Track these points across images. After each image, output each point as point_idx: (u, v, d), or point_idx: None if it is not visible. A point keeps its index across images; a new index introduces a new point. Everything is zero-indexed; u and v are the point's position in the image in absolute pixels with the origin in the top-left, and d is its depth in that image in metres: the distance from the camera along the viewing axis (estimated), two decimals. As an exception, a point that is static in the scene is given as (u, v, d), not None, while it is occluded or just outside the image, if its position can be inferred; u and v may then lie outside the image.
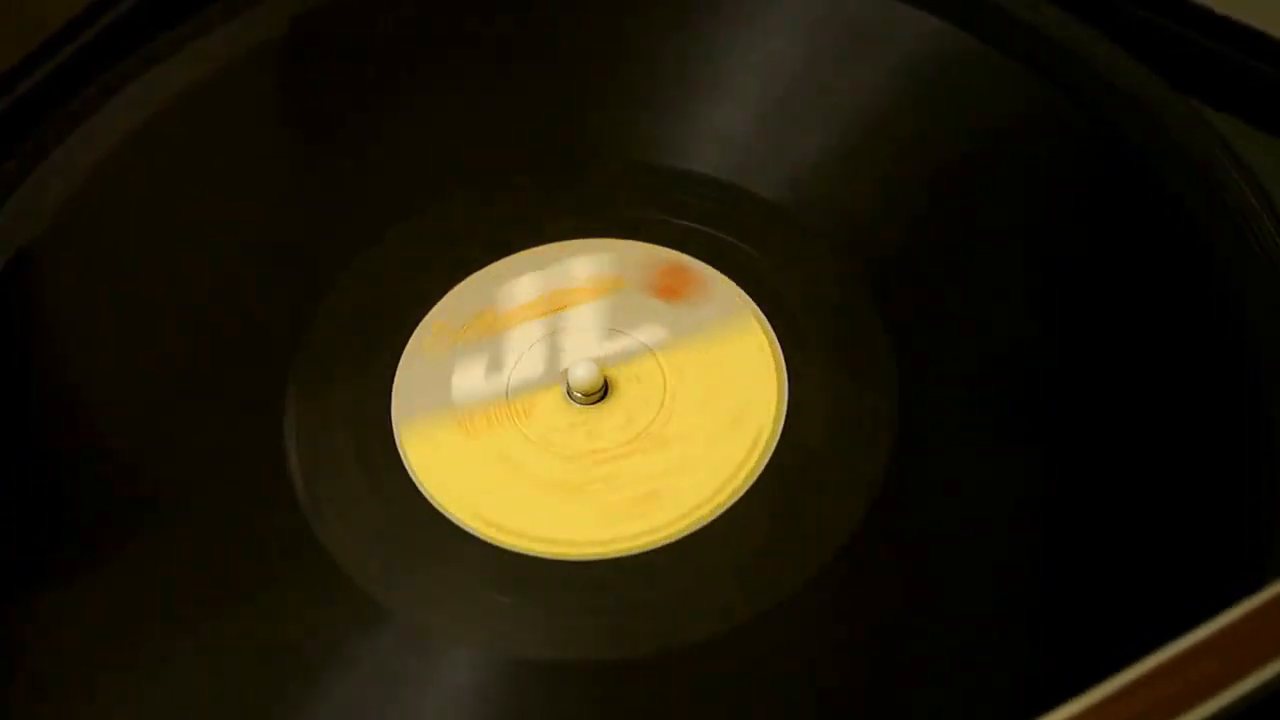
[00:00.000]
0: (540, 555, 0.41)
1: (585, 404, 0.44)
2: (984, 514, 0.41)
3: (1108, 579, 0.40)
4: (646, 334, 0.45)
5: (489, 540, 0.42)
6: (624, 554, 0.41)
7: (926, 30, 0.50)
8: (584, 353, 0.45)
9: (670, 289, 0.45)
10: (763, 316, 0.45)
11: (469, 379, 0.45)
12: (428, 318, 0.46)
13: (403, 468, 0.43)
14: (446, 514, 0.42)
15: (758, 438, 0.42)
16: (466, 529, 0.42)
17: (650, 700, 0.39)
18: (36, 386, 0.46)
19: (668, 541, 0.41)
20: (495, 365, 0.45)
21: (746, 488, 0.42)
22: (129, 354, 0.46)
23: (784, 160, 0.48)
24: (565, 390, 0.44)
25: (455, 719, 0.39)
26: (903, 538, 0.41)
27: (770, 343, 0.44)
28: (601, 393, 0.44)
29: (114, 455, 0.44)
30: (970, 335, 0.44)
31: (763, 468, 0.42)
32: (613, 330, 0.45)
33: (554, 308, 0.46)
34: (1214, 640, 0.34)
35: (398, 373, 0.45)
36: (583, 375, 0.44)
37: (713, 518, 0.41)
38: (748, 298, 0.45)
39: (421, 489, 0.42)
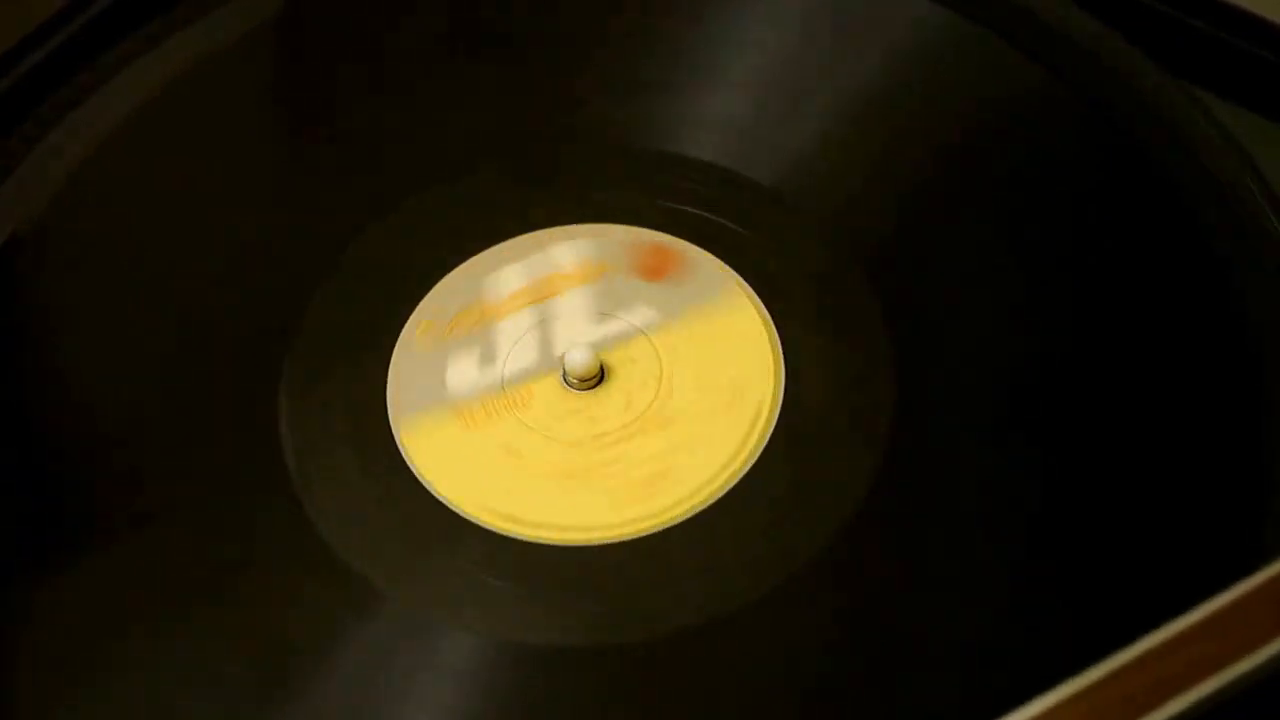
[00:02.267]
0: (550, 542, 0.41)
1: (582, 389, 0.44)
2: (984, 489, 0.41)
3: (1105, 556, 0.40)
4: (637, 315, 0.45)
5: (498, 530, 0.42)
6: (637, 536, 0.41)
7: (921, 14, 0.50)
8: (576, 339, 0.45)
9: (653, 268, 0.45)
10: (750, 289, 0.45)
11: (463, 372, 0.45)
12: (416, 313, 0.46)
13: (405, 464, 0.43)
14: (454, 508, 0.42)
15: (759, 411, 0.43)
16: (474, 520, 0.42)
17: (665, 682, 0.39)
18: (27, 376, 0.46)
19: (677, 522, 0.41)
20: (488, 357, 0.45)
21: (750, 464, 0.42)
22: (120, 345, 0.46)
23: (777, 144, 0.48)
24: (562, 377, 0.44)
25: (469, 706, 0.39)
26: (906, 510, 0.41)
27: (761, 314, 0.44)
28: (598, 377, 0.44)
29: (106, 447, 0.44)
30: (965, 316, 0.44)
31: (765, 443, 0.42)
32: (602, 314, 0.45)
33: (541, 296, 0.46)
34: (1209, 623, 0.35)
35: (390, 369, 0.45)
36: (579, 360, 0.44)
37: (720, 495, 0.41)
38: (731, 270, 0.45)
39: (427, 485, 0.42)
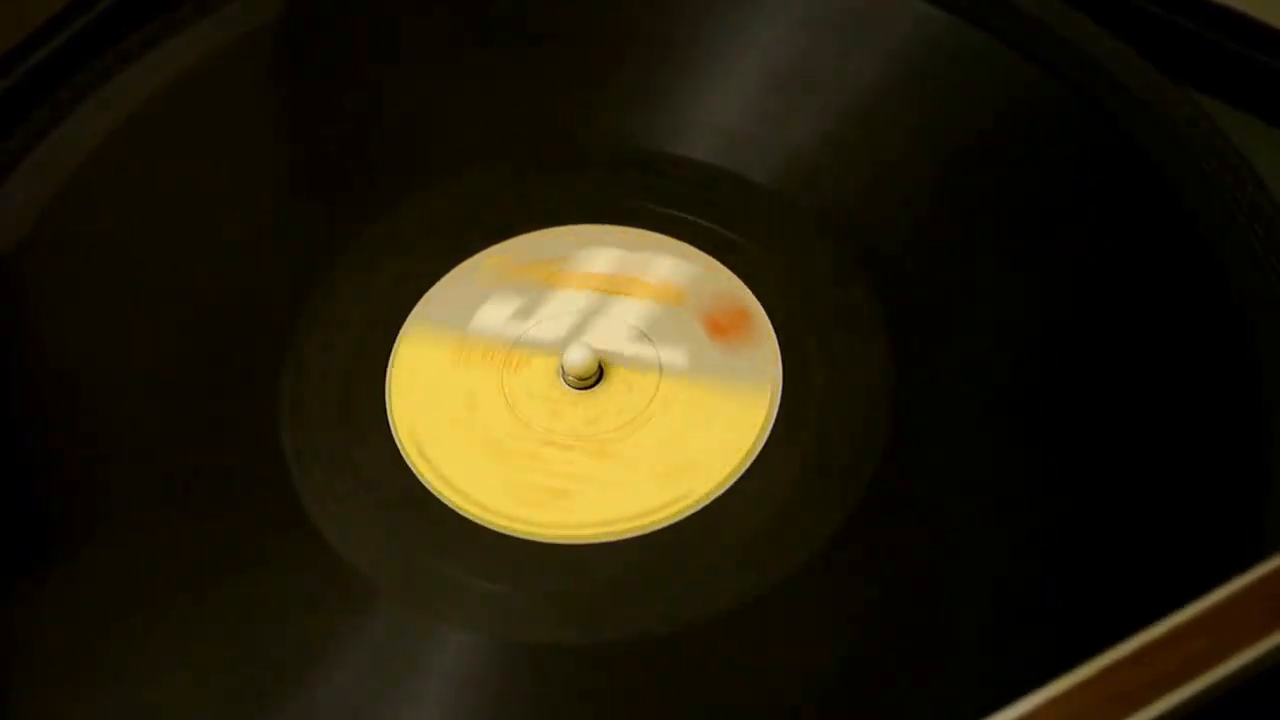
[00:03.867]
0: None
1: (574, 387, 0.44)
2: (982, 486, 0.41)
3: (1102, 552, 0.40)
4: (668, 354, 0.45)
5: (414, 469, 0.43)
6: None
7: (920, 15, 0.50)
8: (600, 340, 0.45)
9: (721, 328, 0.45)
10: (777, 390, 0.44)
11: (494, 313, 0.45)
12: (492, 249, 0.47)
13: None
14: (392, 430, 0.43)
15: (686, 494, 0.42)
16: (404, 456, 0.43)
17: (666, 682, 0.39)
18: (27, 375, 0.46)
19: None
20: (524, 312, 0.45)
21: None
22: (120, 345, 0.46)
23: (776, 145, 0.48)
24: (560, 367, 0.44)
25: (468, 704, 0.39)
26: (905, 508, 0.41)
27: (767, 420, 0.43)
28: (593, 380, 0.44)
29: (106, 446, 0.44)
30: (965, 316, 0.44)
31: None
32: (643, 335, 0.45)
33: (613, 289, 0.46)
34: (1204, 618, 0.35)
35: (442, 281, 0.46)
36: (577, 359, 0.44)
37: (595, 540, 0.41)
38: (777, 367, 0.44)
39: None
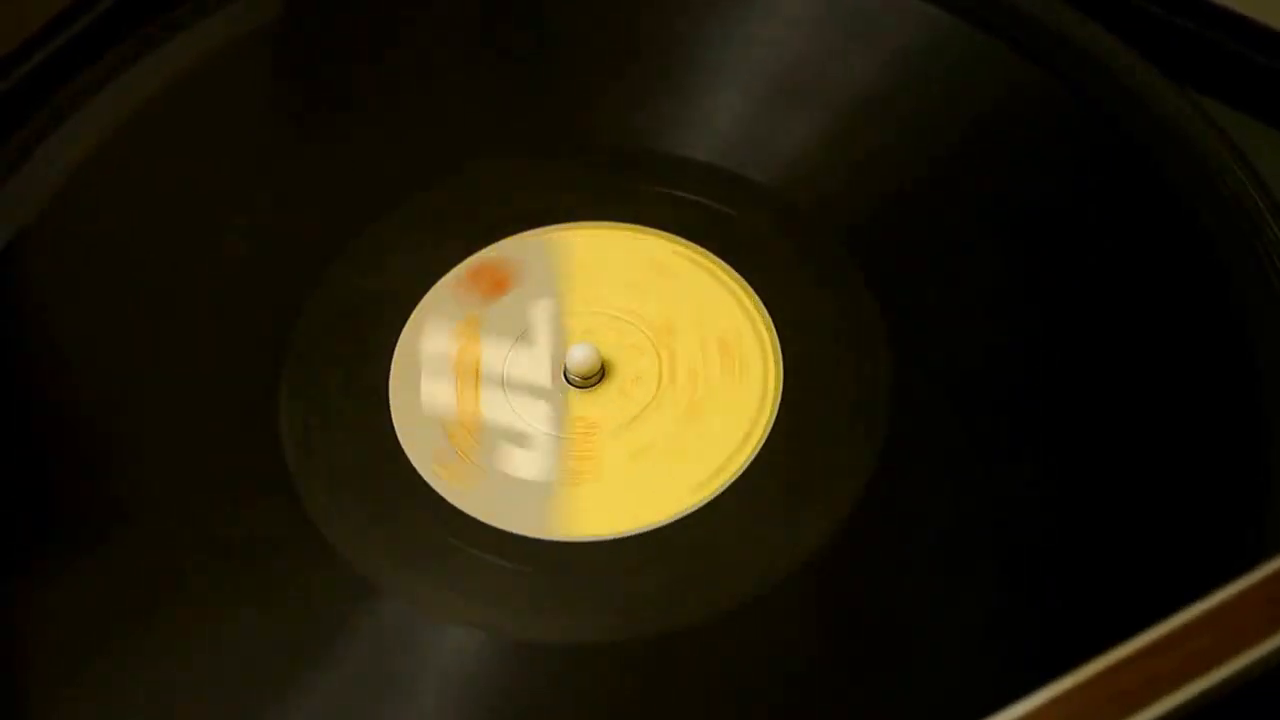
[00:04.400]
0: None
1: (575, 385, 0.44)
2: (981, 486, 0.41)
3: (1101, 553, 0.40)
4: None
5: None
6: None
7: (920, 15, 0.50)
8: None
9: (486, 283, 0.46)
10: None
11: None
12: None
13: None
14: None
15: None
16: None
17: (666, 681, 0.39)
18: (28, 373, 0.46)
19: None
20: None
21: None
22: (121, 344, 0.46)
23: (777, 144, 0.48)
24: (562, 365, 0.44)
25: (466, 702, 0.39)
26: (904, 507, 0.41)
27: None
28: (596, 378, 0.44)
29: (106, 445, 0.44)
30: (964, 316, 0.44)
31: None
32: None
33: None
34: (1204, 620, 0.35)
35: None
36: (579, 357, 0.44)
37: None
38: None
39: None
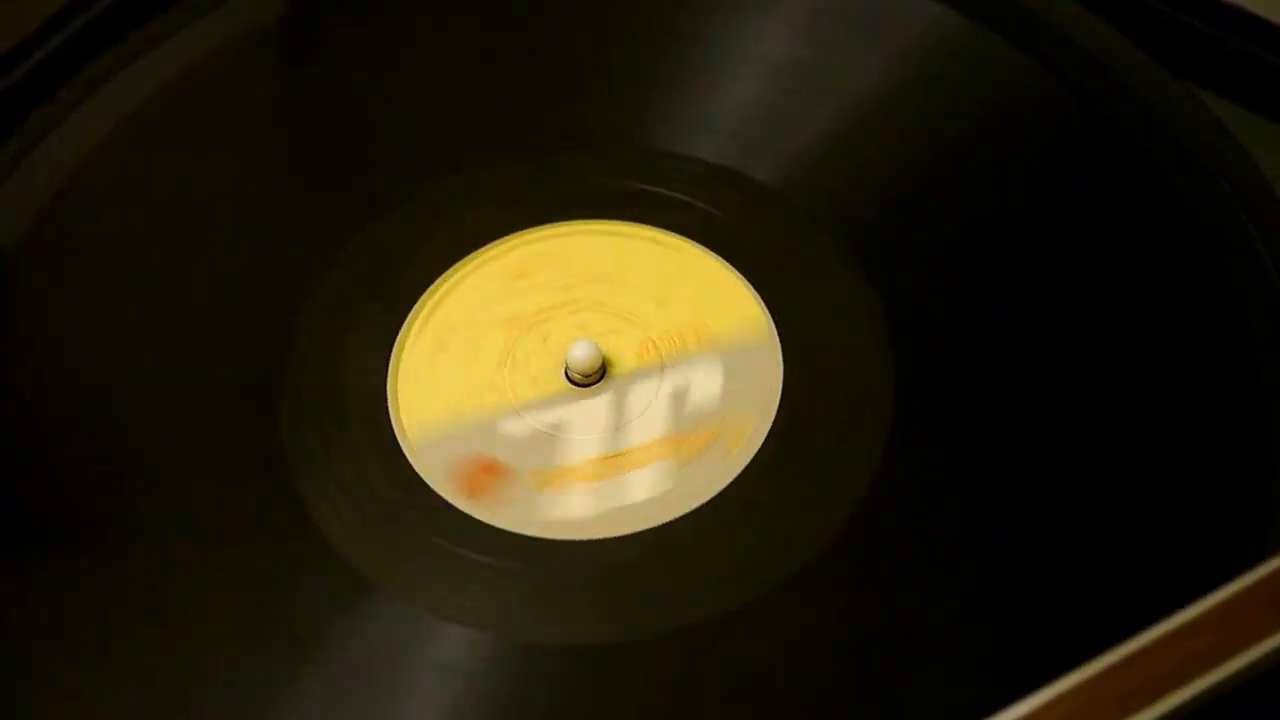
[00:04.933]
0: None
1: (576, 383, 0.44)
2: (981, 485, 0.41)
3: (1101, 553, 0.40)
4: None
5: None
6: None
7: (921, 13, 0.50)
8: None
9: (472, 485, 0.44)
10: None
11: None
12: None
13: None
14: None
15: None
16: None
17: (666, 680, 0.39)
18: (27, 373, 0.46)
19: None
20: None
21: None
22: (121, 343, 0.46)
23: (778, 144, 0.48)
24: (563, 363, 0.44)
25: (466, 700, 0.39)
26: (905, 505, 0.41)
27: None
28: (597, 377, 0.44)
29: (106, 445, 0.44)
30: (965, 315, 0.44)
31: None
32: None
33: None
34: (1205, 619, 0.35)
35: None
36: (581, 355, 0.44)
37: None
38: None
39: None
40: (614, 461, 0.43)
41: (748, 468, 0.42)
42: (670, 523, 0.41)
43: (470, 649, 0.39)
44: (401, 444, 0.43)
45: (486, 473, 0.43)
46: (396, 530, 0.42)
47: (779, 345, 0.44)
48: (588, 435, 0.43)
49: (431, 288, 0.46)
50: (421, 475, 0.43)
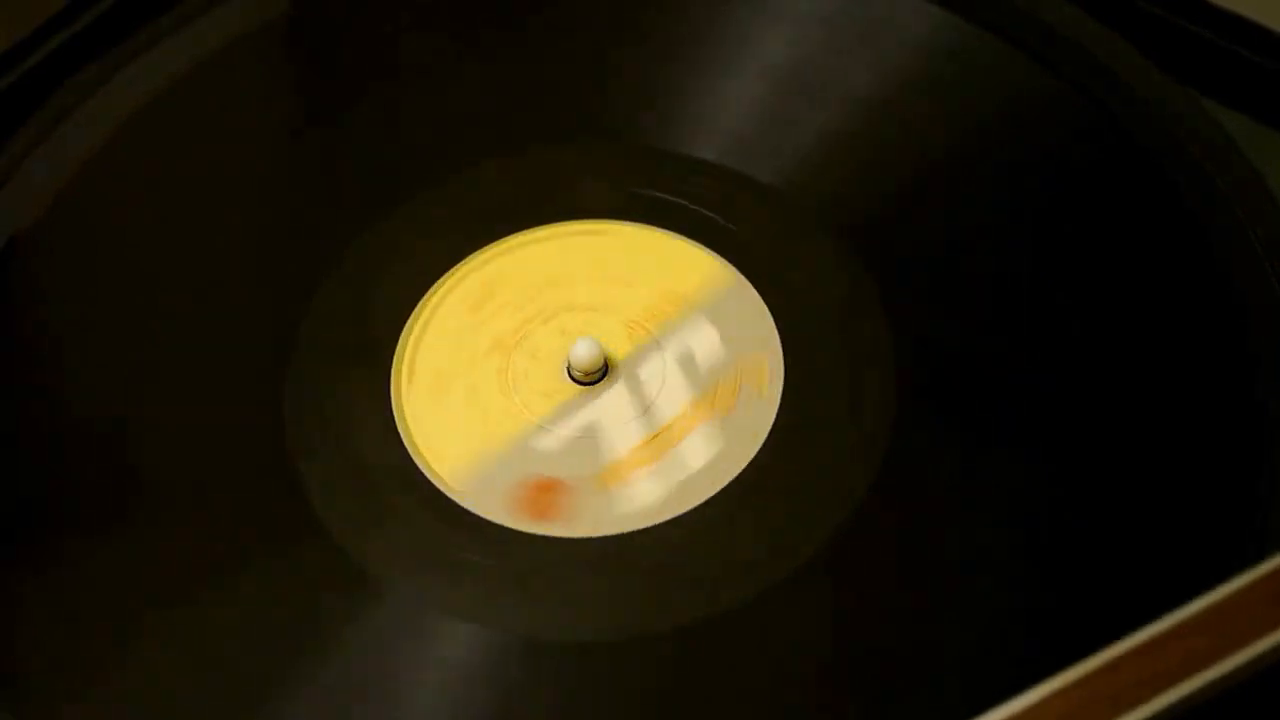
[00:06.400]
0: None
1: (578, 382, 0.44)
2: (980, 484, 0.41)
3: (1100, 551, 0.40)
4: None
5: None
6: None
7: (921, 14, 0.50)
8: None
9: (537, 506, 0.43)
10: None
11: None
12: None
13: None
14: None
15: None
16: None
17: (665, 680, 0.39)
18: (30, 373, 0.46)
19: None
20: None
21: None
22: (122, 342, 0.46)
23: (778, 144, 0.48)
24: (565, 362, 0.44)
25: (466, 698, 0.39)
26: (905, 505, 0.41)
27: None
28: (598, 375, 0.44)
29: (108, 442, 0.44)
30: (966, 315, 0.45)
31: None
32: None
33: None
34: (1202, 617, 0.35)
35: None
36: (582, 353, 0.44)
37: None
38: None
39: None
40: (660, 440, 0.43)
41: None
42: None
43: (471, 647, 0.39)
44: (450, 495, 0.43)
45: (545, 492, 0.42)
46: (401, 529, 0.41)
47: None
48: (622, 425, 0.43)
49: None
50: (484, 516, 0.42)
